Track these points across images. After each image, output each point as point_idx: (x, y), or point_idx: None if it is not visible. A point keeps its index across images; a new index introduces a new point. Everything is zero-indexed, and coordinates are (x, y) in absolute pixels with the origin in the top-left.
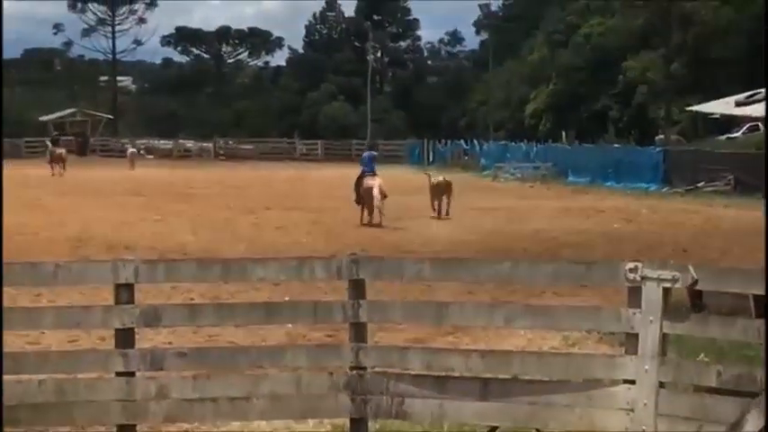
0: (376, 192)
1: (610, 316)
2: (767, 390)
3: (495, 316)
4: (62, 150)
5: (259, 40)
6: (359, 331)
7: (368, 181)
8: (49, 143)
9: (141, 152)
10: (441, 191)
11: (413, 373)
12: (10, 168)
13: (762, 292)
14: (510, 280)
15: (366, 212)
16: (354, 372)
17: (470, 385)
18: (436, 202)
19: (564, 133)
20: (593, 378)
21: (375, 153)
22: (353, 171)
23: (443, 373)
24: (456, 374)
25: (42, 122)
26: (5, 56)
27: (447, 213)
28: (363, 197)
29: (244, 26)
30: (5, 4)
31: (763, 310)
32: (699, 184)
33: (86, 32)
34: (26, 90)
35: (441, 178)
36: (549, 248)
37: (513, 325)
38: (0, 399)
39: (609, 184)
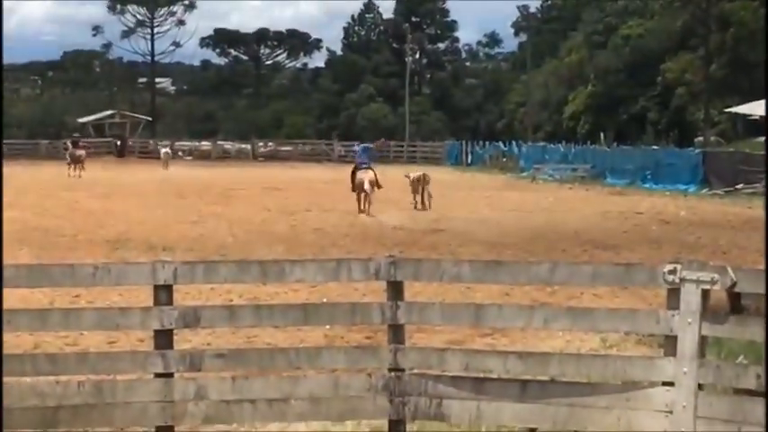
0: (367, 186)
1: (648, 318)
2: (767, 389)
3: (533, 317)
4: (81, 152)
5: (297, 41)
6: (397, 333)
7: (360, 174)
8: (69, 144)
9: (180, 154)
10: (419, 185)
11: (451, 374)
12: (48, 169)
13: None
14: (549, 282)
15: (360, 203)
16: (393, 373)
17: (509, 387)
18: (417, 196)
19: (602, 135)
20: (631, 380)
21: (370, 146)
22: (392, 172)
23: (481, 375)
24: (494, 376)
25: (82, 124)
26: (45, 58)
27: (425, 205)
28: (358, 187)
29: (282, 28)
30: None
31: None
32: (738, 186)
33: (126, 34)
34: (65, 92)
35: (419, 174)
36: (587, 250)
37: (552, 326)
38: (0, 399)
39: (647, 185)
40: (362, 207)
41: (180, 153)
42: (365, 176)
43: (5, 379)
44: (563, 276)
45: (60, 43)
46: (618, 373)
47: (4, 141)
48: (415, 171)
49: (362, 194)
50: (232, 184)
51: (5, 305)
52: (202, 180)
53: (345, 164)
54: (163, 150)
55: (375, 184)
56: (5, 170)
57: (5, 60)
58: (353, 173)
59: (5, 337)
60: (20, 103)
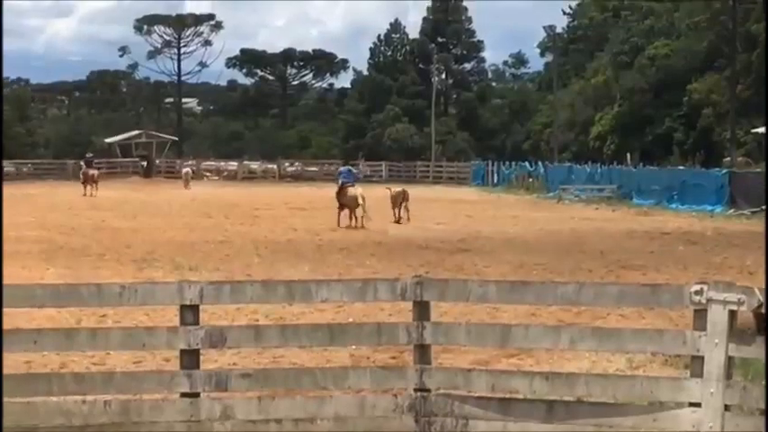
0: (361, 200)
1: (675, 338)
2: (767, 389)
3: (560, 338)
4: (95, 171)
5: (323, 61)
6: (423, 353)
7: (351, 190)
8: (82, 164)
9: (206, 174)
10: (399, 200)
11: (477, 395)
12: (75, 189)
13: None
14: (575, 302)
15: (351, 218)
16: (418, 394)
17: (535, 407)
18: (396, 210)
19: (628, 155)
20: (658, 401)
21: (352, 169)
22: (419, 192)
23: (508, 396)
24: (520, 397)
25: (108, 144)
26: (72, 78)
27: (404, 219)
28: (348, 204)
29: (308, 48)
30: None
31: None
32: (764, 206)
33: (152, 54)
34: (92, 112)
35: (399, 189)
36: (613, 270)
37: (578, 347)
38: (0, 399)
39: (674, 206)
40: (355, 221)
41: (206, 173)
42: (357, 191)
43: (32, 399)
44: (589, 297)
45: (87, 63)
46: (644, 394)
47: (32, 161)
48: (395, 187)
49: (355, 208)
50: (258, 204)
51: (33, 324)
52: (228, 200)
53: (372, 183)
54: (184, 170)
55: (364, 197)
56: (31, 190)
57: (33, 80)
58: (341, 192)
59: (32, 356)
60: (47, 124)
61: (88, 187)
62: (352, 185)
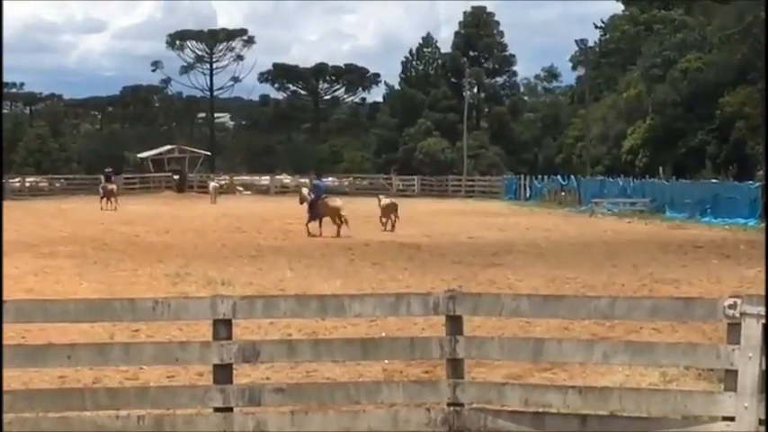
0: (344, 211)
1: (709, 352)
2: (767, 390)
3: (593, 352)
4: (113, 186)
5: (355, 76)
6: (456, 367)
7: (331, 202)
8: (102, 178)
9: (240, 189)
10: (389, 210)
11: (510, 409)
12: (108, 203)
13: None
14: (608, 316)
15: (335, 227)
16: (452, 408)
17: (568, 422)
18: (384, 219)
19: (661, 169)
20: (691, 415)
21: (323, 181)
22: (451, 206)
23: (541, 410)
24: (554, 411)
25: (141, 159)
26: (105, 93)
27: (393, 228)
28: (330, 214)
29: (340, 62)
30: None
31: None
32: None
33: (185, 70)
34: (125, 127)
35: (389, 200)
36: (646, 284)
37: (612, 361)
38: (0, 400)
39: (707, 219)
40: (338, 230)
41: (239, 188)
42: (338, 203)
43: (66, 414)
44: (622, 311)
45: (120, 79)
46: (678, 408)
47: (65, 176)
48: (385, 199)
49: (338, 218)
50: (290, 218)
51: (67, 339)
52: (261, 214)
53: (404, 197)
54: (211, 184)
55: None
56: (64, 204)
57: (66, 96)
58: (319, 203)
59: (66, 371)
60: (80, 139)
61: (107, 201)
62: (333, 198)
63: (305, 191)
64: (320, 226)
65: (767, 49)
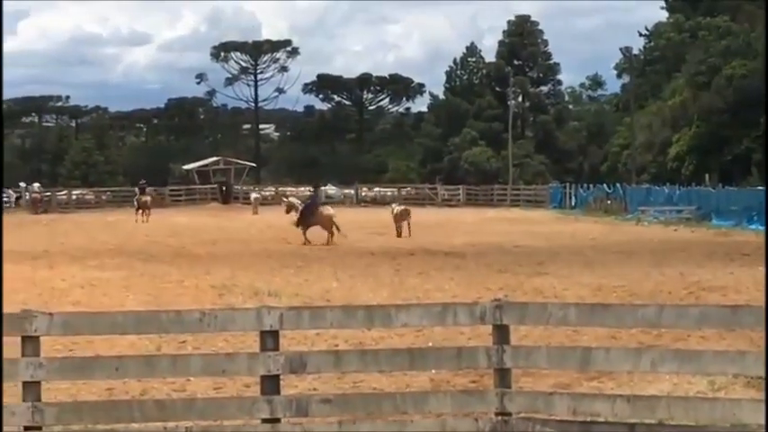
0: (336, 219)
1: (757, 360)
2: (767, 390)
3: (640, 360)
4: (147, 198)
5: (400, 86)
6: (503, 377)
7: (325, 211)
8: (136, 191)
9: (284, 199)
10: (402, 217)
11: (558, 418)
12: (154, 216)
13: None
14: (655, 324)
15: (328, 235)
16: (500, 417)
17: (616, 430)
18: (398, 225)
19: (707, 176)
20: (740, 423)
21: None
22: (497, 215)
23: (589, 419)
24: (601, 420)
25: (186, 171)
26: (150, 105)
27: (409, 233)
28: (323, 222)
29: (385, 73)
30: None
31: None
32: None
33: (229, 81)
34: (170, 139)
35: (401, 207)
36: (693, 292)
37: (660, 369)
38: (0, 399)
39: (753, 226)
40: (330, 238)
41: (284, 198)
42: (332, 211)
43: (115, 426)
44: (670, 319)
45: (165, 91)
46: (726, 417)
47: (111, 189)
48: (398, 206)
49: (330, 226)
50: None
51: (114, 351)
52: None
53: (449, 208)
54: (253, 195)
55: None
56: (110, 217)
57: (111, 108)
58: (312, 211)
59: (114, 383)
60: (125, 151)
61: (141, 213)
62: (326, 206)
63: (293, 200)
64: (304, 233)
65: (767, 49)
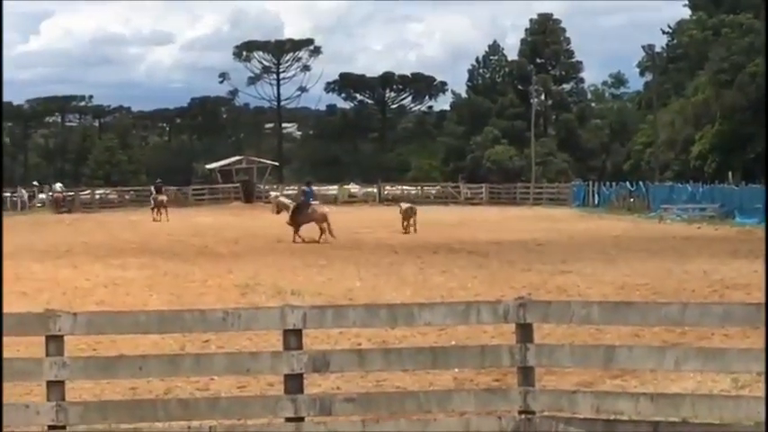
0: (330, 217)
1: None
2: (767, 389)
3: (664, 359)
4: (164, 197)
5: (422, 85)
6: (527, 375)
7: (319, 208)
8: (152, 190)
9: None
10: (409, 215)
11: (582, 416)
12: (175, 215)
13: None
14: (679, 322)
15: (320, 232)
16: (523, 416)
17: (640, 429)
18: (405, 223)
19: (730, 174)
20: (764, 422)
21: (312, 189)
22: (520, 213)
23: (612, 417)
24: (625, 418)
25: (209, 170)
26: (173, 105)
27: (415, 230)
28: (317, 219)
29: (407, 71)
30: (167, 53)
31: None
32: None
33: (252, 81)
34: (193, 138)
35: (408, 205)
36: (717, 290)
37: (684, 368)
38: (0, 399)
39: None
40: (324, 236)
41: (271, 197)
42: (326, 209)
43: (138, 425)
44: (694, 317)
45: (187, 90)
46: (751, 415)
47: (134, 188)
48: (405, 204)
49: (325, 223)
50: (358, 227)
51: (138, 351)
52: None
53: (472, 206)
54: (272, 194)
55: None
56: (133, 216)
57: (134, 108)
58: (304, 208)
59: (137, 382)
60: (148, 151)
61: (158, 212)
62: (319, 204)
63: (283, 199)
64: (296, 231)
65: (767, 49)
